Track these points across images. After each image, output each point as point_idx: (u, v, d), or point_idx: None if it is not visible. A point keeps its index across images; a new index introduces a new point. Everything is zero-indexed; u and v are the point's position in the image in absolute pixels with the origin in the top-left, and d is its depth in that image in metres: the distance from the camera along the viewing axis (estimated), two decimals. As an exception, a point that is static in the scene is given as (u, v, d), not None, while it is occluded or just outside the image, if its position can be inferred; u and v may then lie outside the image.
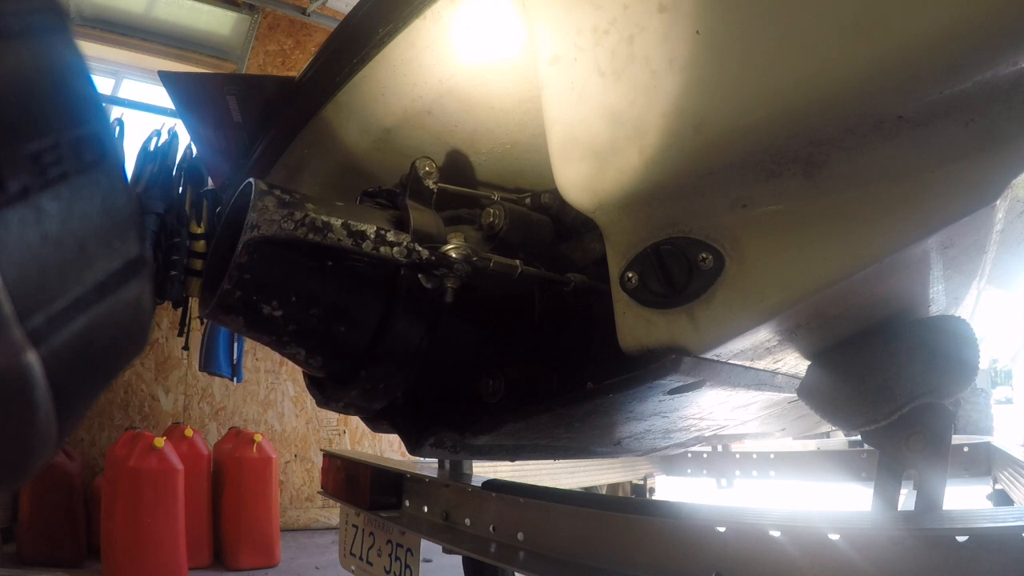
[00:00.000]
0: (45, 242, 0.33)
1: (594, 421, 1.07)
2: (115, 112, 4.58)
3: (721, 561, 0.90)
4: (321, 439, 5.27)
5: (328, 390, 1.06)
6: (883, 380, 0.87)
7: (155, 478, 3.46)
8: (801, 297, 0.76)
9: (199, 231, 3.97)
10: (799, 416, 1.57)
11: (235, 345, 4.17)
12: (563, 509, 1.19)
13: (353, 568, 1.83)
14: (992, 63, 0.62)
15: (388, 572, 1.67)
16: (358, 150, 1.28)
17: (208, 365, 4.09)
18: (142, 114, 4.82)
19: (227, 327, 1.01)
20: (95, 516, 3.76)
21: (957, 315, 0.96)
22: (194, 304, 4.11)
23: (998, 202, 0.70)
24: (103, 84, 5.12)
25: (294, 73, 1.32)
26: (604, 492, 2.93)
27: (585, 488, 2.59)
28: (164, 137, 4.16)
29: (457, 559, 2.02)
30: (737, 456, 3.00)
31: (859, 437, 1.10)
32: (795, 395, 1.02)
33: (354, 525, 1.85)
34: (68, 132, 0.36)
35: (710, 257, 0.81)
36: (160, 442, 3.54)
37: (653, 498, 2.97)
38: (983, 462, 2.36)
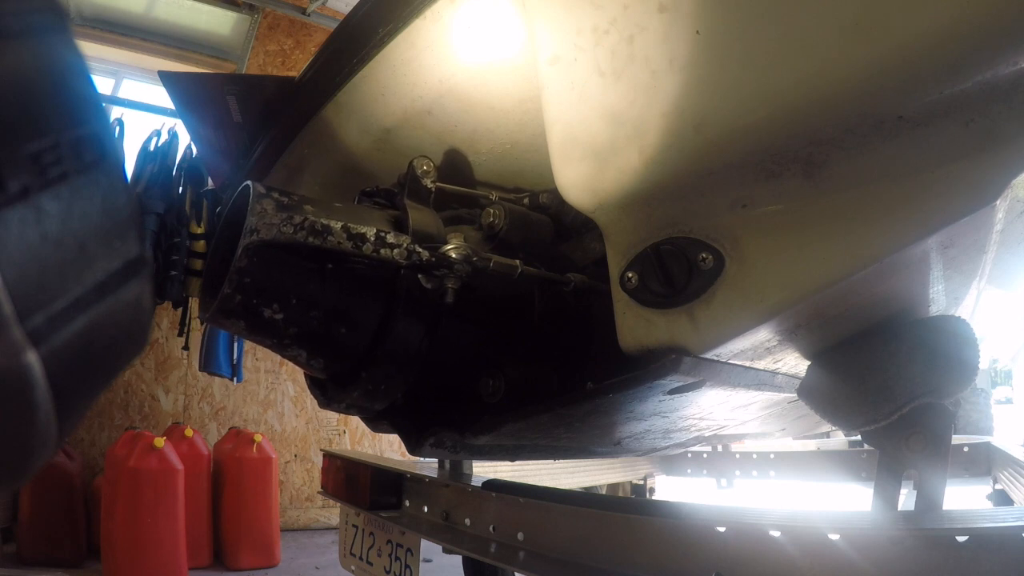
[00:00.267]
0: (45, 242, 0.33)
1: (594, 421, 1.07)
2: (115, 112, 4.58)
3: (721, 561, 0.90)
4: (321, 439, 5.27)
5: (330, 391, 1.06)
6: (883, 380, 0.87)
7: (155, 478, 3.46)
8: (801, 297, 0.76)
9: (199, 231, 3.97)
10: (799, 416, 1.57)
11: (235, 345, 4.17)
12: (563, 509, 1.19)
13: (353, 568, 1.83)
14: (992, 63, 0.62)
15: (388, 572, 1.67)
16: (358, 150, 1.28)
17: (208, 365, 4.09)
18: (142, 114, 4.82)
19: (228, 331, 1.01)
20: (95, 516, 3.76)
21: (957, 315, 0.96)
22: (194, 304, 4.11)
23: (998, 202, 0.70)
24: (103, 84, 5.12)
25: (294, 73, 1.32)
26: (604, 492, 2.93)
27: (585, 488, 2.59)
28: (164, 137, 4.16)
29: (457, 559, 2.02)
30: (737, 456, 3.00)
31: (859, 437, 1.10)
32: (795, 395, 1.02)
33: (354, 525, 1.85)
34: (68, 132, 0.36)
35: (710, 257, 0.81)
36: (160, 442, 3.54)
37: (653, 498, 2.97)
38: (983, 462, 2.36)
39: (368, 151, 1.27)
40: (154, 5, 4.89)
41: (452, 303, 0.95)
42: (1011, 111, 0.66)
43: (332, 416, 5.27)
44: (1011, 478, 2.04)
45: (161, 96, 4.54)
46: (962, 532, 0.73)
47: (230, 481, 4.08)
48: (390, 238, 0.92)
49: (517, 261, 1.02)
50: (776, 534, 0.85)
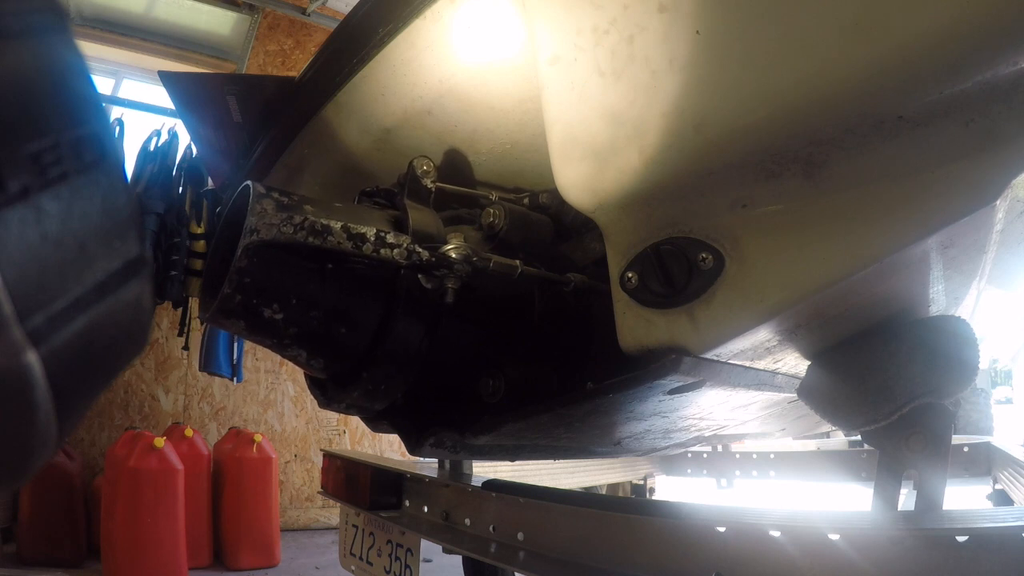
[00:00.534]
0: (45, 242, 0.33)
1: (594, 421, 1.07)
2: (115, 112, 4.58)
3: (721, 561, 0.90)
4: (321, 439, 5.27)
5: (330, 391, 1.06)
6: (883, 380, 0.87)
7: (155, 478, 3.46)
8: (801, 297, 0.76)
9: (199, 231, 3.97)
10: (799, 416, 1.57)
11: (235, 345, 4.17)
12: (563, 509, 1.19)
13: (353, 568, 1.83)
14: (992, 63, 0.62)
15: (388, 572, 1.67)
16: (358, 150, 1.28)
17: (208, 365, 4.09)
18: (142, 114, 4.82)
19: (228, 331, 1.01)
20: (95, 516, 3.76)
21: (957, 315, 0.96)
22: (194, 304, 4.11)
23: (998, 202, 0.70)
24: (103, 84, 5.12)
25: (294, 73, 1.32)
26: (604, 492, 2.93)
27: (585, 488, 2.59)
28: (164, 137, 4.16)
29: (457, 559, 2.02)
30: (737, 456, 3.00)
31: (859, 437, 1.10)
32: (795, 395, 1.02)
33: (354, 525, 1.85)
34: (68, 132, 0.36)
35: (710, 257, 0.81)
36: (160, 442, 3.54)
37: (653, 498, 2.97)
38: (983, 462, 2.36)
39: (368, 151, 1.27)
40: (154, 5, 4.89)
41: (452, 303, 0.95)
42: (1011, 111, 0.66)
43: (332, 416, 5.27)
44: (1011, 478, 2.04)
45: (161, 96, 4.54)
46: (962, 532, 0.73)
47: (230, 481, 4.08)
48: (390, 238, 0.92)
49: (517, 261, 1.02)
50: (776, 534, 0.85)
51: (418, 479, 1.66)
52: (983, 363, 1.29)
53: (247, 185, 0.89)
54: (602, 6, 0.81)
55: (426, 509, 1.61)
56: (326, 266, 0.93)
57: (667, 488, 3.24)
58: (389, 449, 5.40)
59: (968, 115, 0.67)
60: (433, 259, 0.94)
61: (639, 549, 1.03)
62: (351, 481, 1.81)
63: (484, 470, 1.92)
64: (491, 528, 1.35)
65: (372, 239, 0.91)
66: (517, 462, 2.14)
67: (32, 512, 3.68)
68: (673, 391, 0.90)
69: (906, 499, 0.96)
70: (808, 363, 0.96)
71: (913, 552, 0.75)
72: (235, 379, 4.28)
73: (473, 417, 1.05)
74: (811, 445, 2.97)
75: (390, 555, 1.67)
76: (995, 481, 2.26)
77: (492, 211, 1.11)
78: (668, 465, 3.18)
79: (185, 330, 4.14)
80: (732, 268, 0.80)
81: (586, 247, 1.19)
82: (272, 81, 1.50)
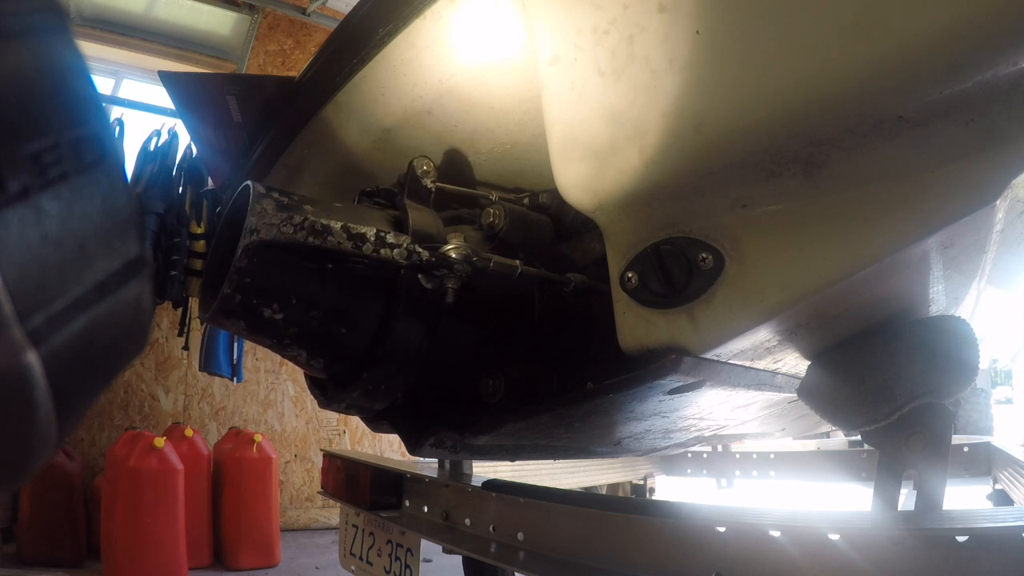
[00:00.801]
0: (45, 242, 0.33)
1: (594, 421, 1.07)
2: (115, 112, 4.58)
3: (721, 561, 0.90)
4: (321, 439, 5.27)
5: (330, 391, 1.06)
6: (883, 380, 0.87)
7: (155, 478, 3.46)
8: (801, 297, 0.76)
9: (199, 231, 3.97)
10: (799, 416, 1.57)
11: (235, 345, 4.18)
12: (563, 509, 1.19)
13: (353, 568, 1.83)
14: (992, 63, 0.62)
15: (388, 572, 1.67)
16: (358, 150, 1.28)
17: (208, 365, 4.09)
18: (142, 114, 4.82)
19: (228, 331, 1.00)
20: (95, 516, 3.76)
21: (957, 315, 0.96)
22: (194, 304, 4.11)
23: (998, 202, 0.70)
24: (103, 84, 5.12)
25: (294, 73, 1.32)
26: (604, 492, 2.93)
27: (585, 488, 2.59)
28: (164, 137, 4.16)
29: (457, 559, 2.02)
30: (737, 456, 3.00)
31: (859, 437, 1.10)
32: (795, 395, 1.02)
33: (354, 525, 1.85)
34: (68, 132, 0.36)
35: (710, 257, 0.81)
36: (160, 442, 3.54)
37: (653, 498, 2.97)
38: (983, 462, 2.36)
39: (368, 151, 1.27)
40: (154, 5, 4.89)
41: (452, 303, 0.95)
42: (1011, 111, 0.66)
43: (332, 416, 5.27)
44: (1011, 478, 2.04)
45: (161, 96, 4.54)
46: (962, 532, 0.73)
47: (230, 481, 4.08)
48: (390, 238, 0.92)
49: (517, 261, 1.02)
50: (776, 534, 0.85)
51: (418, 479, 1.66)
52: (983, 363, 1.29)
53: (247, 185, 0.89)
54: (602, 6, 0.81)
55: (426, 509, 1.61)
56: (326, 266, 0.93)
57: (667, 488, 3.23)
58: (389, 449, 5.40)
59: (968, 115, 0.67)
60: (433, 259, 0.94)
61: (639, 549, 1.03)
62: (351, 481, 1.81)
63: (484, 470, 1.92)
64: (491, 528, 1.35)
65: (372, 239, 0.91)
66: (517, 462, 2.14)
67: (32, 512, 3.68)
68: (673, 391, 0.90)
69: (906, 499, 0.96)
70: (808, 363, 0.96)
71: (913, 552, 0.75)
72: (235, 379, 4.28)
73: (473, 417, 1.05)
74: (811, 445, 2.97)
75: (390, 555, 1.67)
76: (995, 481, 2.26)
77: (492, 211, 1.11)
78: (668, 465, 3.18)
79: (185, 330, 4.14)
80: (732, 268, 0.80)
81: (586, 247, 1.19)
82: (272, 81, 1.50)
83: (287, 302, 0.92)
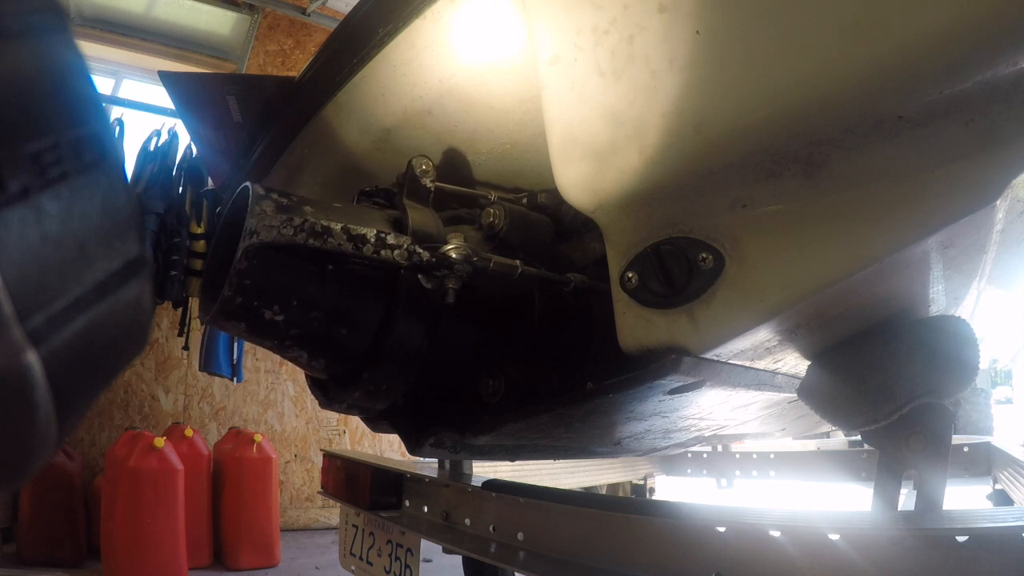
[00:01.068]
0: (45, 242, 0.33)
1: (594, 421, 1.07)
2: (115, 112, 4.58)
3: (721, 561, 0.90)
4: (321, 439, 5.27)
5: (331, 392, 1.06)
6: (883, 380, 0.87)
7: (155, 478, 3.46)
8: (801, 297, 0.76)
9: (199, 231, 3.97)
10: (799, 416, 1.57)
11: (235, 345, 4.18)
12: (563, 509, 1.19)
13: (353, 568, 1.83)
14: (992, 63, 0.62)
15: (388, 572, 1.67)
16: (358, 150, 1.28)
17: (208, 365, 4.09)
18: (142, 114, 4.82)
19: (229, 332, 1.00)
20: (95, 516, 3.76)
21: (957, 315, 0.96)
22: (194, 304, 4.11)
23: (998, 202, 0.70)
24: (103, 84, 5.12)
25: (294, 73, 1.32)
26: (604, 492, 2.93)
27: (585, 488, 2.59)
28: (164, 137, 4.16)
29: (457, 559, 2.02)
30: (737, 456, 3.00)
31: (859, 437, 1.10)
32: (795, 395, 1.02)
33: (354, 525, 1.85)
34: (68, 132, 0.36)
35: (710, 257, 0.81)
36: (160, 442, 3.54)
37: (653, 498, 2.97)
38: (983, 462, 2.36)
39: (368, 151, 1.27)
40: (154, 5, 4.89)
41: (452, 303, 0.95)
42: (1011, 111, 0.66)
43: (332, 416, 5.27)
44: (1011, 478, 2.04)
45: (161, 96, 4.54)
46: (962, 532, 0.73)
47: (230, 481, 4.08)
48: (390, 239, 0.92)
49: (517, 261, 1.02)
50: (776, 534, 0.85)
51: (418, 479, 1.66)
52: (983, 363, 1.29)
53: (246, 186, 0.89)
54: (602, 6, 0.81)
55: (426, 509, 1.61)
56: (327, 267, 0.93)
57: (667, 488, 3.23)
58: (389, 449, 5.40)
59: (968, 115, 0.67)
60: (434, 259, 0.93)
61: (639, 549, 1.03)
62: (351, 481, 1.81)
63: (484, 470, 1.92)
64: (491, 528, 1.35)
65: (372, 240, 0.91)
66: (517, 462, 2.14)
67: (32, 512, 3.68)
68: (673, 391, 0.90)
69: (906, 499, 0.96)
70: (808, 363, 0.96)
71: (913, 552, 0.75)
72: (235, 379, 4.28)
73: (473, 417, 1.05)
74: (811, 445, 2.97)
75: (390, 555, 1.67)
76: (995, 481, 2.26)
77: (492, 211, 1.11)
78: (668, 465, 3.18)
79: (185, 330, 4.14)
80: (732, 268, 0.80)
81: (586, 247, 1.19)
82: (272, 81, 1.50)
83: (288, 304, 0.92)
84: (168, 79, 1.35)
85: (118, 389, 4.51)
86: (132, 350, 0.43)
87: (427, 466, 1.88)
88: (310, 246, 0.88)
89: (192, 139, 2.18)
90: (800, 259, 0.76)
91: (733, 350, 0.85)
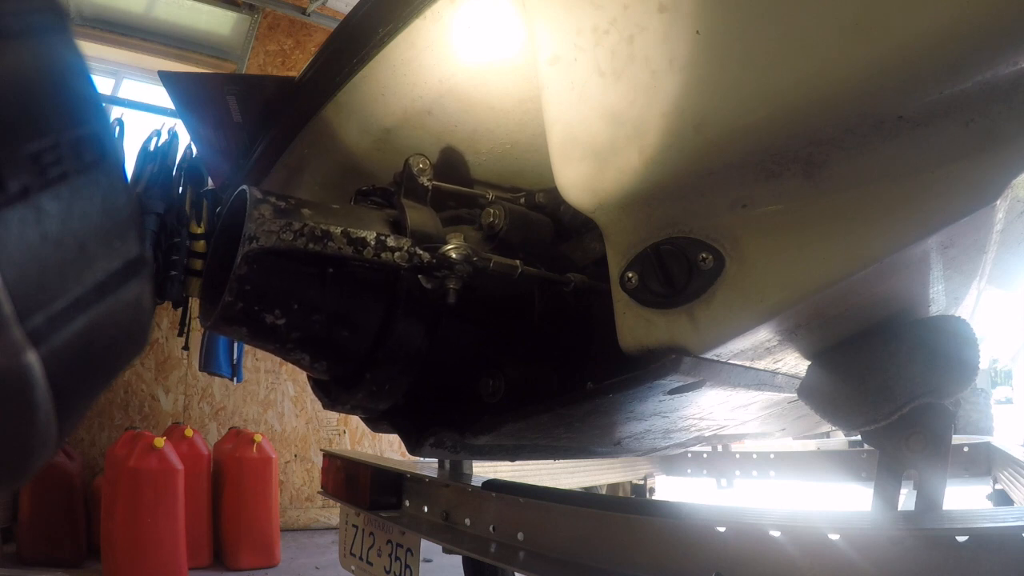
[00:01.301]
0: (45, 242, 0.33)
1: (594, 421, 1.07)
2: (115, 112, 4.58)
3: (721, 561, 0.90)
4: (321, 439, 5.27)
5: (334, 393, 1.06)
6: (883, 380, 0.87)
7: (155, 478, 3.46)
8: (801, 297, 0.76)
9: (199, 231, 3.97)
10: (799, 416, 1.57)
11: (235, 345, 4.18)
12: (563, 509, 1.19)
13: (353, 568, 1.83)
14: (992, 63, 0.62)
15: (388, 572, 1.67)
16: (358, 150, 1.28)
17: (208, 365, 4.09)
18: (142, 114, 4.82)
19: (231, 337, 1.00)
20: (95, 516, 3.76)
21: (957, 315, 0.96)
22: (194, 304, 4.10)
23: (998, 202, 0.70)
24: (103, 84, 5.12)
25: (294, 73, 1.32)
26: (604, 492, 2.93)
27: (585, 488, 2.59)
28: (164, 137, 4.16)
29: (457, 559, 2.02)
30: (737, 456, 3.00)
31: (859, 437, 1.10)
32: (795, 395, 1.02)
33: (354, 525, 1.85)
34: (68, 132, 0.36)
35: (710, 257, 0.81)
36: (160, 442, 3.54)
37: (653, 498, 2.97)
38: (983, 462, 2.36)
39: (368, 151, 1.27)
40: (154, 5, 4.89)
41: (452, 303, 0.95)
42: (1011, 111, 0.66)
43: (332, 416, 5.27)
44: (1011, 478, 2.04)
45: (161, 96, 4.54)
46: (962, 532, 0.73)
47: (230, 481, 4.08)
48: (390, 241, 0.92)
49: (517, 261, 1.02)
50: (776, 534, 0.85)
51: (418, 479, 1.66)
52: (983, 363, 1.29)
53: (243, 189, 0.89)
54: (602, 6, 0.81)
55: (426, 509, 1.61)
56: (327, 270, 0.93)
57: (667, 488, 3.23)
58: (389, 449, 5.39)
59: (968, 115, 0.67)
60: (434, 260, 0.93)
61: (639, 549, 1.03)
62: (351, 481, 1.81)
63: (484, 470, 1.92)
64: (491, 528, 1.35)
65: (372, 243, 0.91)
66: (517, 462, 2.14)
67: (32, 512, 3.68)
68: (673, 391, 0.90)
69: (906, 499, 0.96)
70: (808, 363, 0.96)
71: (913, 552, 0.75)
72: (235, 379, 4.28)
73: (473, 417, 1.05)
74: (811, 445, 2.97)
75: (390, 555, 1.67)
76: (995, 481, 2.26)
77: (492, 211, 1.11)
78: (668, 465, 3.18)
79: (185, 330, 4.14)
80: (732, 268, 0.80)
81: (586, 247, 1.19)
82: (272, 81, 1.50)
83: (289, 307, 0.92)
84: (168, 79, 1.35)
85: (118, 389, 4.51)
86: (132, 350, 0.43)
87: (427, 466, 1.88)
88: (310, 251, 0.88)
89: (192, 139, 2.18)
90: (800, 259, 0.76)
91: (733, 350, 0.85)
